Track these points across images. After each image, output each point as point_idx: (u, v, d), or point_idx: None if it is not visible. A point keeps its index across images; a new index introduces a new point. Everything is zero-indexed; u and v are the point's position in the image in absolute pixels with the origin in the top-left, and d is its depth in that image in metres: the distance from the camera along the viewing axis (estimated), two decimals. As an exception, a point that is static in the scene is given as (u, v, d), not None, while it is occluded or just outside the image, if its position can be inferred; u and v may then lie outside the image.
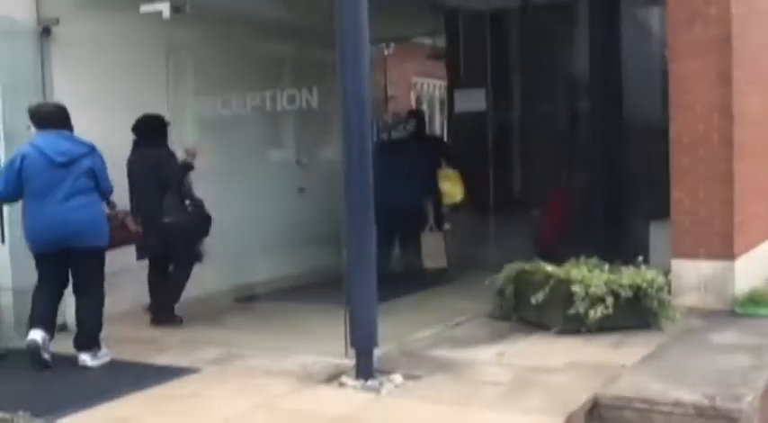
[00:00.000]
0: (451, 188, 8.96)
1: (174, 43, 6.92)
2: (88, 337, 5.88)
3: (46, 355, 5.72)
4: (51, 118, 5.91)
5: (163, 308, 7.02)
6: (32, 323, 5.80)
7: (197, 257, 7.15)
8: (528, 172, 10.23)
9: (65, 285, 6.04)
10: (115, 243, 6.14)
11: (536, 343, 6.10)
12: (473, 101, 9.41)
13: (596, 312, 6.08)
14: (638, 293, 6.18)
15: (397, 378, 5.24)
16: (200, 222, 7.07)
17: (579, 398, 4.76)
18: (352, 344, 5.33)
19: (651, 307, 6.21)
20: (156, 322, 6.97)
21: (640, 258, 6.49)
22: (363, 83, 5.14)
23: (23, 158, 5.76)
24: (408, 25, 11.33)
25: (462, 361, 5.59)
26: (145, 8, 6.26)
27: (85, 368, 5.78)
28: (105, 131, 6.47)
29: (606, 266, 6.53)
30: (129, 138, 6.77)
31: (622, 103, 9.12)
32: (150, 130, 7.01)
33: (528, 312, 6.58)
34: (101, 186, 5.96)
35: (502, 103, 9.95)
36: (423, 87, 20.43)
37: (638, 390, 4.85)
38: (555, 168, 9.58)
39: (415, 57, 18.47)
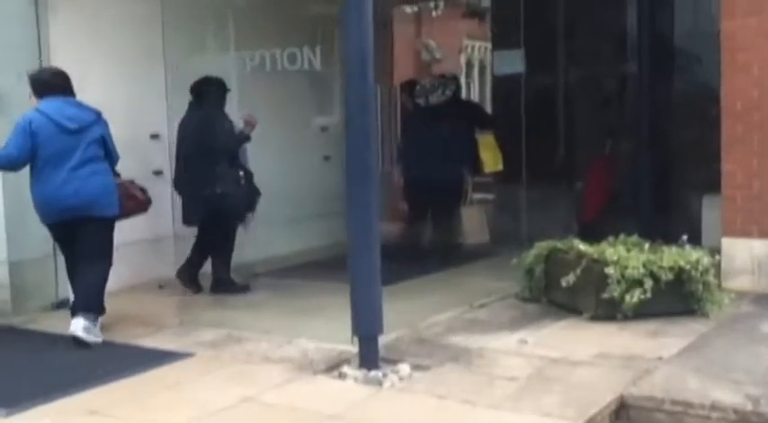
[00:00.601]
0: (490, 157, 8.40)
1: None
2: (87, 303, 5.51)
3: (92, 340, 5.44)
4: (53, 84, 5.60)
5: (221, 282, 6.82)
6: (73, 308, 5.59)
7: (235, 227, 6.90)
8: (572, 140, 9.55)
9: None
10: (125, 212, 5.86)
11: (564, 330, 5.53)
12: (512, 63, 8.76)
13: (633, 297, 5.48)
14: (681, 276, 5.57)
15: (404, 369, 4.73)
16: (251, 197, 6.83)
17: (604, 397, 4.20)
18: (355, 330, 4.82)
19: (695, 291, 5.60)
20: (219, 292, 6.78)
21: (684, 237, 5.87)
22: (366, 35, 4.59)
23: (31, 123, 5.44)
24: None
25: (479, 349, 5.06)
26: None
27: (78, 342, 5.38)
28: (104, 92, 6.04)
29: (646, 246, 5.93)
30: (128, 99, 6.24)
31: (674, 65, 8.46)
32: (208, 93, 6.72)
33: (559, 295, 6.01)
34: (110, 154, 5.71)
35: (544, 65, 9.28)
36: (474, 50, 19.74)
37: (672, 388, 4.28)
38: (599, 137, 8.91)
39: (467, 18, 17.81)
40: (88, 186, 5.50)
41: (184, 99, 6.63)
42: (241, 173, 6.77)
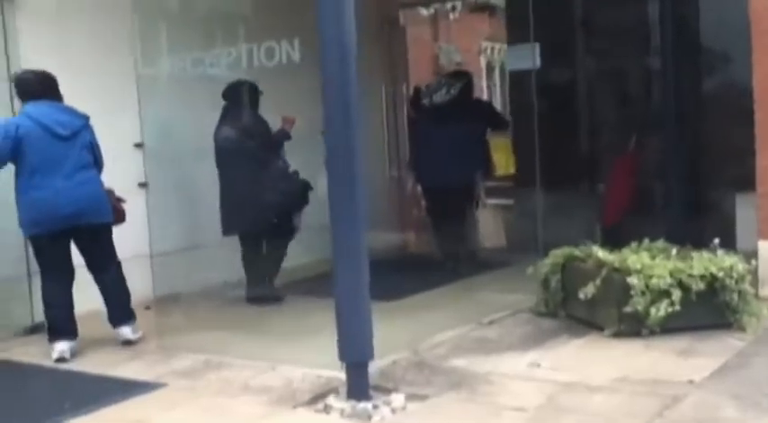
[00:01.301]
0: (503, 159, 7.87)
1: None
2: (124, 309, 5.56)
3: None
4: (40, 87, 5.32)
5: (257, 286, 6.66)
6: (53, 333, 5.33)
7: (293, 230, 6.79)
8: (594, 138, 8.95)
9: (73, 273, 5.44)
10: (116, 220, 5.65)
11: (582, 348, 4.93)
12: (527, 58, 8.16)
13: (659, 310, 4.89)
14: (713, 285, 4.98)
15: (398, 399, 4.16)
16: (303, 191, 6.75)
17: (624, 432, 3.62)
18: (341, 356, 4.25)
19: (730, 302, 5.00)
20: (254, 301, 6.59)
21: (716, 241, 5.25)
22: (344, 25, 4.05)
23: (18, 128, 5.15)
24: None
25: (485, 374, 4.47)
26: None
27: (129, 342, 5.49)
28: (76, 101, 5.54)
29: (674, 251, 5.33)
30: (98, 106, 5.73)
31: (700, 57, 7.85)
32: (241, 98, 6.55)
33: (577, 308, 5.43)
34: (98, 159, 5.50)
35: (562, 60, 8.70)
36: (493, 52, 19.16)
37: (705, 419, 3.69)
38: (622, 134, 8.29)
39: (485, 20, 17.25)
40: (84, 193, 5.29)
41: (159, 107, 6.15)
42: (291, 169, 6.76)
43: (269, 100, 6.65)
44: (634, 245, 5.52)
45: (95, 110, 5.49)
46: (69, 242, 5.38)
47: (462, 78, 8.07)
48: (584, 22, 8.99)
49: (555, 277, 5.61)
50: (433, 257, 7.76)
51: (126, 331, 5.53)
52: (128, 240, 5.73)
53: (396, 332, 5.13)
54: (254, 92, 6.62)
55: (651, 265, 5.04)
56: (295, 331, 5.63)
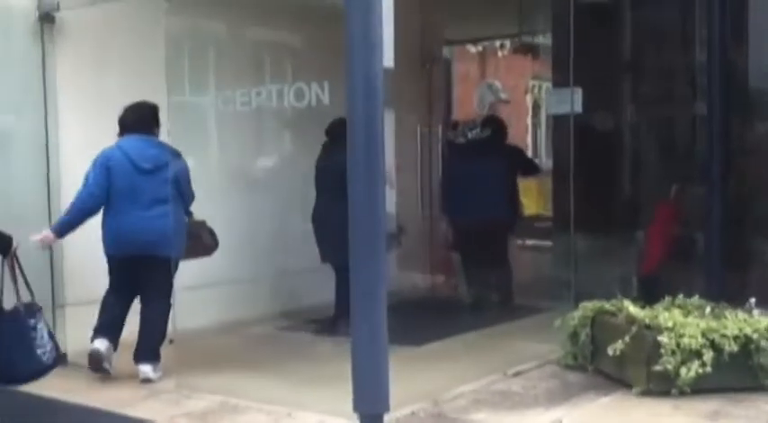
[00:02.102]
0: (530, 200, 7.91)
1: (175, 32, 5.88)
2: (148, 349, 5.60)
3: (106, 365, 5.49)
4: (131, 122, 5.65)
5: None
6: (97, 331, 5.56)
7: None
8: (634, 185, 8.77)
9: (134, 295, 5.70)
10: (189, 254, 5.77)
11: (609, 407, 4.77)
12: (567, 102, 8.05)
13: (690, 370, 4.72)
14: (748, 347, 4.82)
15: (412, 453, 4.05)
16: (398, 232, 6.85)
17: None
18: (355, 406, 4.15)
19: (764, 364, 4.81)
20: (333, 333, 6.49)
21: (752, 300, 5.08)
22: (374, 58, 3.98)
23: (109, 159, 5.55)
24: (522, 21, 10.16)
25: (504, 432, 4.34)
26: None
27: (148, 380, 5.49)
28: (111, 131, 5.58)
29: (708, 309, 5.16)
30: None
31: (748, 104, 7.65)
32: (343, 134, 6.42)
33: (607, 363, 5.26)
34: (184, 195, 5.71)
35: (604, 104, 8.55)
36: (541, 91, 19.04)
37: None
38: (664, 182, 8.11)
39: (533, 58, 17.15)
40: (155, 226, 5.50)
41: (186, 139, 6.16)
42: None
43: (299, 140, 6.65)
44: (668, 300, 5.36)
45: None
46: (137, 269, 5.58)
47: (496, 122, 8.21)
48: (629, 66, 8.86)
49: (584, 330, 5.45)
50: (462, 300, 7.64)
51: (146, 369, 5.54)
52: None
53: (416, 380, 5.01)
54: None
55: (683, 323, 4.88)
56: (316, 374, 5.50)
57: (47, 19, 5.93)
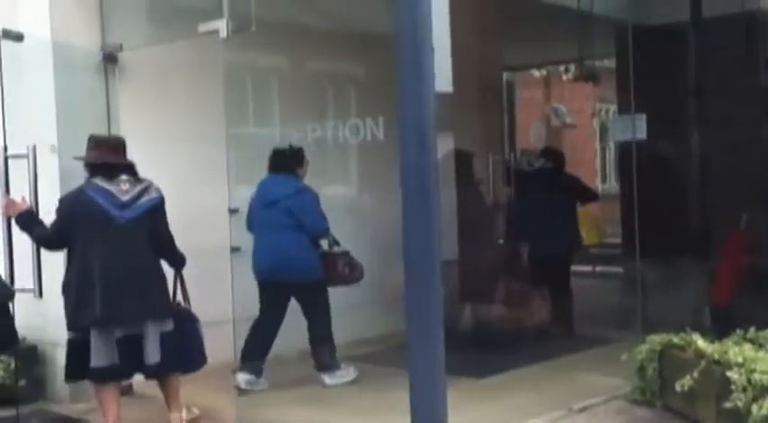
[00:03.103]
0: (589, 230, 8.09)
1: (232, 67, 5.96)
2: (321, 360, 6.23)
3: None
4: (279, 164, 6.30)
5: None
6: (241, 362, 6.13)
7: None
8: (704, 212, 8.57)
9: (280, 317, 6.23)
10: (329, 282, 6.28)
11: (677, 446, 4.61)
12: (632, 128, 7.92)
13: (762, 408, 4.50)
14: (824, 383, 4.58)
15: (471, 494, 3.96)
16: None
17: None
18: (413, 445, 4.07)
19: (842, 402, 4.58)
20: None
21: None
22: (425, 98, 3.92)
23: (252, 199, 6.34)
24: (589, 45, 10.07)
25: (568, 470, 4.22)
26: (203, 27, 5.40)
27: (325, 386, 6.11)
28: (169, 165, 5.64)
29: (782, 344, 4.97)
30: (191, 170, 5.81)
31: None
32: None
33: (675, 399, 5.09)
34: (304, 224, 6.14)
35: (670, 129, 8.39)
36: (608, 114, 18.81)
37: None
38: (735, 209, 7.89)
39: (601, 81, 16.97)
40: (280, 253, 6.13)
41: (245, 173, 6.25)
42: None
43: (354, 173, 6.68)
44: (739, 334, 5.18)
45: (189, 174, 5.54)
46: (283, 294, 6.18)
47: (555, 153, 8.48)
48: (695, 91, 8.69)
49: (651, 365, 5.29)
50: (526, 331, 7.52)
51: (323, 377, 6.19)
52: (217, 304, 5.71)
53: (475, 416, 4.92)
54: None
55: (754, 358, 4.69)
56: (376, 407, 5.46)
57: (110, 59, 6.06)
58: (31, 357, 5.99)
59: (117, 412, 5.02)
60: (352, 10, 6.89)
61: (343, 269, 6.28)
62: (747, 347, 4.85)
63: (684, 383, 4.84)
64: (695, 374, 4.81)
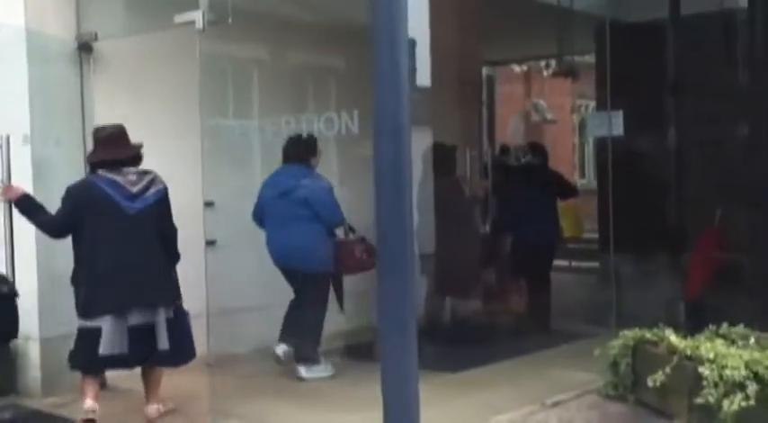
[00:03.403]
0: (570, 223, 8.81)
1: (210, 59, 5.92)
2: (303, 351, 6.21)
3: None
4: (293, 154, 6.33)
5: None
6: (280, 334, 6.32)
7: None
8: (678, 208, 8.64)
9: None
10: (348, 269, 6.30)
11: (648, 440, 4.63)
12: (607, 124, 7.96)
13: (732, 403, 4.54)
14: (794, 379, 4.62)
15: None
16: None
17: None
18: (385, 441, 4.06)
19: (812, 398, 4.62)
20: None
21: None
22: (400, 96, 3.91)
23: (262, 188, 6.40)
24: (569, 41, 10.13)
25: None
26: (179, 18, 5.37)
27: (300, 379, 6.12)
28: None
29: (752, 339, 5.00)
30: (166, 162, 5.74)
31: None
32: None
33: (648, 394, 5.10)
34: (320, 216, 6.18)
35: (647, 126, 8.43)
36: (587, 111, 18.86)
37: None
38: (710, 205, 7.94)
39: (580, 77, 17.02)
40: (290, 243, 6.20)
41: (219, 166, 6.21)
42: None
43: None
44: (711, 329, 5.22)
45: (166, 166, 5.49)
46: (293, 277, 6.26)
47: (540, 148, 8.52)
48: (673, 87, 8.74)
49: (624, 360, 5.30)
50: (501, 325, 7.58)
51: (300, 369, 6.19)
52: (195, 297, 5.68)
53: (449, 411, 4.93)
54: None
55: (725, 354, 4.71)
56: (350, 401, 5.45)
57: (85, 48, 6.01)
58: (2, 351, 5.93)
59: (97, 393, 5.11)
60: (329, 2, 6.88)
61: (361, 255, 6.25)
62: (719, 343, 4.88)
63: (657, 379, 4.87)
64: (668, 370, 4.83)
